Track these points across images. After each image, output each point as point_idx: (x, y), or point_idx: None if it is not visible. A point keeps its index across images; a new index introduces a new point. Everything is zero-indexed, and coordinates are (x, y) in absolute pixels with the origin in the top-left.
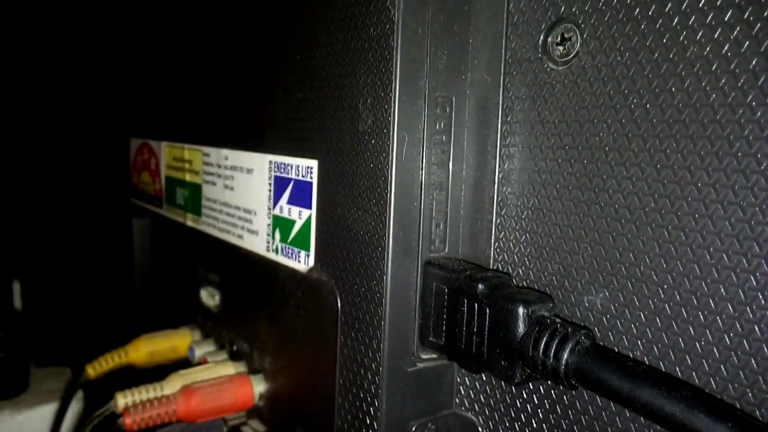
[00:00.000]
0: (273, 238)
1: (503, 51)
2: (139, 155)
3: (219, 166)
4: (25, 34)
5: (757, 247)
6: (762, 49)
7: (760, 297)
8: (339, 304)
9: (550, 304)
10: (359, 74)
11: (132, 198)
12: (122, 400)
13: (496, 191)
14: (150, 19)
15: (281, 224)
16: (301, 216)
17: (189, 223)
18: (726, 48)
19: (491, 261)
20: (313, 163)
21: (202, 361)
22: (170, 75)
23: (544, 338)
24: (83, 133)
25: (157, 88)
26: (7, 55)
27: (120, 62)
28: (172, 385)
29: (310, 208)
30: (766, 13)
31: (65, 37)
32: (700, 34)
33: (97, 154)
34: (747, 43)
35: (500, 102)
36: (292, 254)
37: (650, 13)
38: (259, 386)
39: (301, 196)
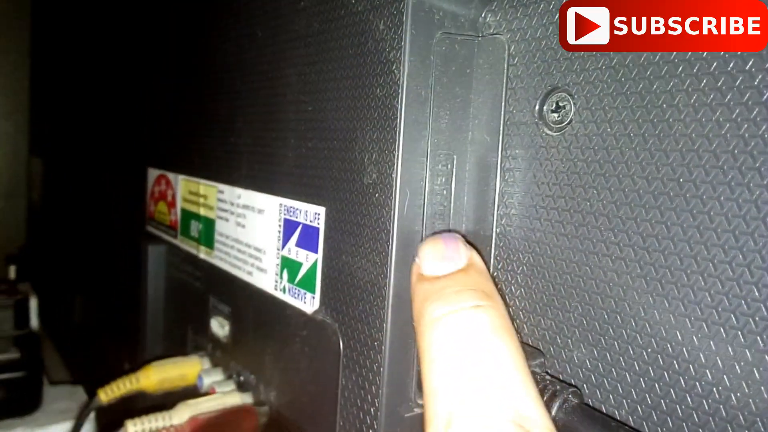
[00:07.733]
0: (281, 277)
1: (502, 113)
2: (156, 185)
3: (232, 204)
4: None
5: (734, 319)
6: (741, 132)
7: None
8: (341, 347)
9: (541, 359)
10: (365, 130)
11: (147, 226)
12: (132, 428)
13: (493, 245)
14: (172, 60)
15: (289, 265)
16: (308, 259)
17: (202, 255)
18: (708, 128)
19: None
20: (321, 210)
21: (210, 391)
22: (189, 112)
23: None
24: (101, 158)
25: (177, 124)
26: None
27: (142, 96)
28: (180, 414)
29: (316, 252)
30: (745, 98)
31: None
32: (684, 113)
33: (115, 180)
34: (727, 125)
35: (498, 161)
36: (298, 295)
37: (638, 89)
38: (264, 419)
39: (308, 240)
